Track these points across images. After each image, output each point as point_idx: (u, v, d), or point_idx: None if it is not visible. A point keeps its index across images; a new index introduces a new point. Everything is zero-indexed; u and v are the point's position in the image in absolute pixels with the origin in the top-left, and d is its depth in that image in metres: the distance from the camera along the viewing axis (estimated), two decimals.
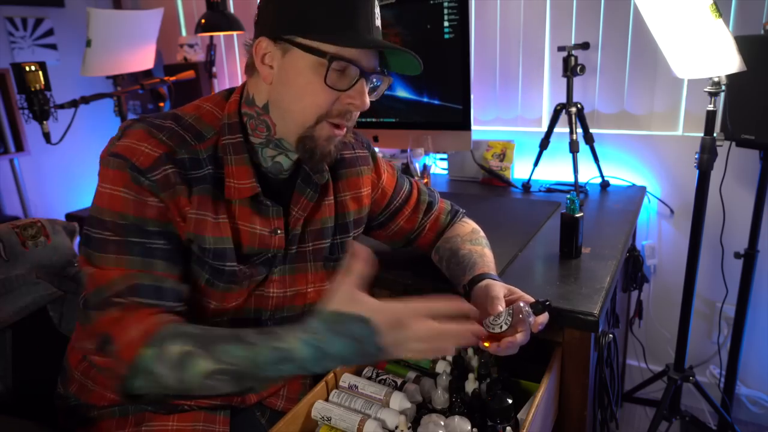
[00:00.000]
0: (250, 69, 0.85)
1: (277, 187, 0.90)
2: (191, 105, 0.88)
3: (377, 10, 0.81)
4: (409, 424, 0.84)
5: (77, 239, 1.17)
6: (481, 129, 2.03)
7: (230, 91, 0.91)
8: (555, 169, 1.87)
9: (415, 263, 1.14)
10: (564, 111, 1.67)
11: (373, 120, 1.85)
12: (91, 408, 0.94)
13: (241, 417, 0.96)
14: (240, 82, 2.78)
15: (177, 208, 0.80)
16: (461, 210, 1.16)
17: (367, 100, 0.82)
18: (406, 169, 1.68)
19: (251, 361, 0.67)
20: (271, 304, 0.94)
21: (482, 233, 1.10)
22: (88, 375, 0.93)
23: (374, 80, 0.85)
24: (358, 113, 0.86)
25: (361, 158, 1.04)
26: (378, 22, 0.81)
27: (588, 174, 1.79)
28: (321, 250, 0.97)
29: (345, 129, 0.85)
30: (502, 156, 1.87)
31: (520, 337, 0.79)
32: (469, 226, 1.12)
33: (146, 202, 0.78)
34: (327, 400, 0.89)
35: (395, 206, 1.09)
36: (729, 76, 1.25)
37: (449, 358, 1.03)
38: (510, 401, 0.84)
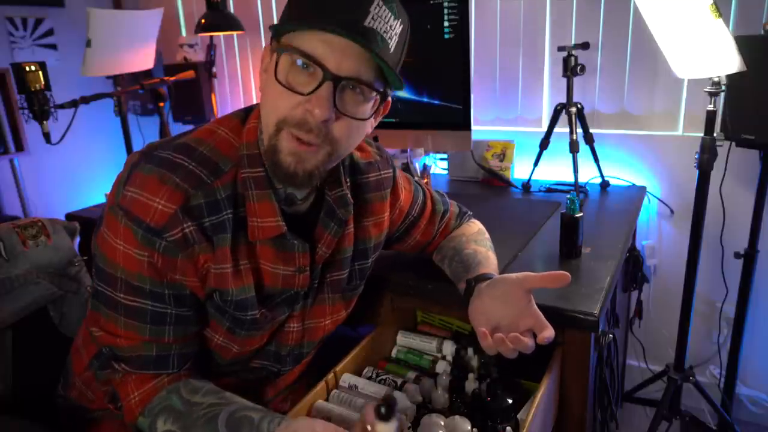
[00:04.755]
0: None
1: (296, 221, 0.82)
2: (205, 130, 0.79)
3: (374, 9, 0.67)
4: (409, 424, 0.84)
5: (77, 239, 1.17)
6: (481, 129, 2.03)
7: (248, 112, 0.82)
8: (555, 169, 1.87)
9: (416, 264, 1.14)
10: (564, 111, 1.67)
11: None
12: (93, 410, 0.94)
13: None
14: (240, 83, 2.78)
15: (196, 268, 0.76)
16: (468, 212, 1.15)
17: (327, 110, 0.68)
18: (406, 169, 1.68)
19: None
20: (291, 339, 0.92)
21: (487, 235, 1.09)
22: (89, 385, 0.93)
23: (360, 90, 0.71)
24: (345, 134, 0.73)
25: (386, 180, 0.96)
26: (372, 24, 0.67)
27: (588, 174, 1.79)
28: (339, 282, 0.93)
29: (316, 148, 0.72)
30: (502, 156, 1.87)
31: None
32: (475, 226, 1.11)
33: (161, 266, 0.74)
34: (327, 400, 0.89)
35: (410, 219, 1.05)
36: (729, 76, 1.25)
37: (449, 358, 1.03)
38: (510, 401, 0.85)
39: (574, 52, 1.63)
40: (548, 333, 0.78)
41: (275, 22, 2.45)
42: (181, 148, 0.76)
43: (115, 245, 0.73)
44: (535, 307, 0.82)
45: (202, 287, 0.79)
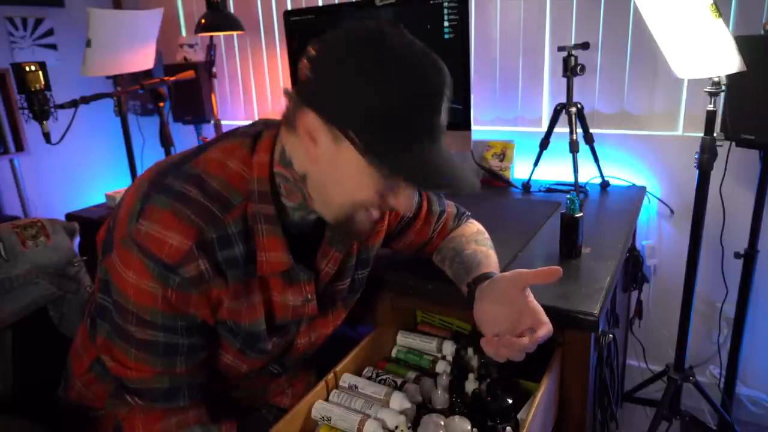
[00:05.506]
0: (289, 124, 0.74)
1: (300, 236, 0.83)
2: (215, 161, 0.77)
3: (444, 108, 0.71)
4: (409, 424, 0.84)
5: (77, 239, 1.17)
6: (481, 129, 2.03)
7: (255, 138, 0.79)
8: (555, 169, 1.87)
9: (416, 264, 1.14)
10: (564, 111, 1.67)
11: None
12: (96, 409, 0.94)
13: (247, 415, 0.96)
14: (240, 82, 2.77)
15: (209, 300, 0.76)
16: (466, 212, 1.14)
17: (412, 205, 0.79)
18: None
19: None
20: (297, 351, 0.94)
21: (487, 235, 1.08)
22: (89, 387, 0.93)
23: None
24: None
25: None
26: (443, 125, 0.72)
27: (588, 174, 1.79)
28: (341, 291, 0.94)
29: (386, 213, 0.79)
30: (502, 156, 1.87)
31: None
32: (474, 226, 1.11)
33: (175, 301, 0.73)
34: (327, 400, 0.89)
35: (405, 220, 1.05)
36: (729, 76, 1.25)
37: (449, 358, 1.03)
38: (510, 401, 0.85)
39: (574, 52, 1.62)
40: (542, 332, 0.78)
41: (275, 22, 2.45)
42: (193, 180, 0.74)
43: (127, 278, 0.72)
44: (533, 303, 0.82)
45: (213, 315, 0.79)
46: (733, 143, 1.51)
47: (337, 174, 0.72)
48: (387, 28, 0.69)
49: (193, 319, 0.76)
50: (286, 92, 0.74)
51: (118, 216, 0.75)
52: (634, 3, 1.53)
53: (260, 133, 0.80)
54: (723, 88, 1.27)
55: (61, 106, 1.84)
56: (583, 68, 1.63)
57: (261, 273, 0.78)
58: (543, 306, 0.93)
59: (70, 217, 1.94)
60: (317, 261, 0.86)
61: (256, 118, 2.62)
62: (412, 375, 0.98)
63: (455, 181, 0.70)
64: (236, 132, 0.82)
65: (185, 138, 2.82)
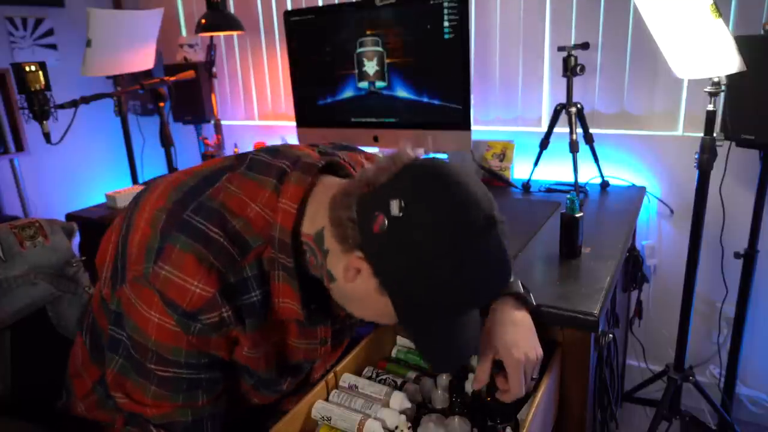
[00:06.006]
0: (340, 238, 0.69)
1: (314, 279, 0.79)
2: (236, 199, 0.73)
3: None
4: (409, 424, 0.84)
5: (75, 239, 1.17)
6: (481, 129, 2.03)
7: (281, 176, 0.75)
8: (555, 169, 1.87)
9: None
10: (564, 111, 1.67)
11: (373, 120, 1.85)
12: (98, 421, 0.93)
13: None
14: (240, 82, 2.75)
15: (227, 340, 0.75)
16: None
17: None
18: None
19: None
20: (314, 380, 0.95)
21: None
22: (91, 412, 0.92)
23: None
24: None
25: None
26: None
27: (588, 174, 1.79)
28: (355, 322, 0.95)
29: None
30: (502, 156, 1.87)
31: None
32: None
33: (195, 342, 0.71)
34: (327, 400, 0.89)
35: None
36: (729, 76, 1.25)
37: None
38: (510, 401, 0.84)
39: (574, 52, 1.62)
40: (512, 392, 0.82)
41: (275, 22, 2.45)
42: (215, 217, 0.71)
43: (149, 317, 0.70)
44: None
45: (229, 355, 0.78)
46: (733, 143, 1.51)
47: (366, 302, 0.72)
48: (490, 229, 0.65)
49: (214, 356, 0.75)
50: (351, 214, 0.68)
51: (131, 244, 0.72)
52: (634, 3, 1.53)
53: (285, 171, 0.76)
54: (723, 88, 1.27)
55: (61, 106, 1.84)
56: (583, 68, 1.63)
57: (276, 318, 0.77)
58: (543, 306, 0.93)
59: (70, 217, 1.94)
60: (332, 303, 0.82)
61: (256, 119, 2.64)
62: (412, 375, 0.98)
63: (460, 359, 0.76)
64: (257, 161, 0.78)
65: (185, 138, 2.82)
